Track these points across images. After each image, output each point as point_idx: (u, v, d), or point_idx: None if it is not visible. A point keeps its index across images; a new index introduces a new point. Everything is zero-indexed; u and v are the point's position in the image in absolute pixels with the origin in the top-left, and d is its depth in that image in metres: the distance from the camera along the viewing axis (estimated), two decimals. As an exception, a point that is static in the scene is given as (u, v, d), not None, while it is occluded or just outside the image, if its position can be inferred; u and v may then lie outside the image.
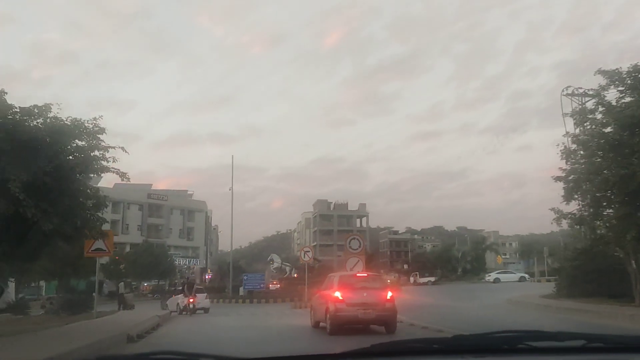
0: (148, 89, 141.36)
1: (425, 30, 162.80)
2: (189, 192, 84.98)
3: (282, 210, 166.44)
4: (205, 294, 27.38)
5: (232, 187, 42.67)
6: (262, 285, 39.47)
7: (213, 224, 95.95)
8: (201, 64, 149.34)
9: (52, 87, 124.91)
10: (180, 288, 27.36)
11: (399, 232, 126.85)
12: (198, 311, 25.27)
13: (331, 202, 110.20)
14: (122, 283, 27.83)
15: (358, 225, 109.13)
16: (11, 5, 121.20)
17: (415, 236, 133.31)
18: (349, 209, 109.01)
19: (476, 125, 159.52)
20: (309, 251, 32.84)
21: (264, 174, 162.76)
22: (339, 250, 77.28)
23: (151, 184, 79.58)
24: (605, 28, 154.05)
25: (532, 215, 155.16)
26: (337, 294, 12.51)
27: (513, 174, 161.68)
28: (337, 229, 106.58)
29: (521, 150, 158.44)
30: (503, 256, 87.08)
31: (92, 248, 16.68)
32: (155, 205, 75.64)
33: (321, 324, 13.62)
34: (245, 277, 39.93)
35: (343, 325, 12.20)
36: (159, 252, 58.69)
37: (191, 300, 24.70)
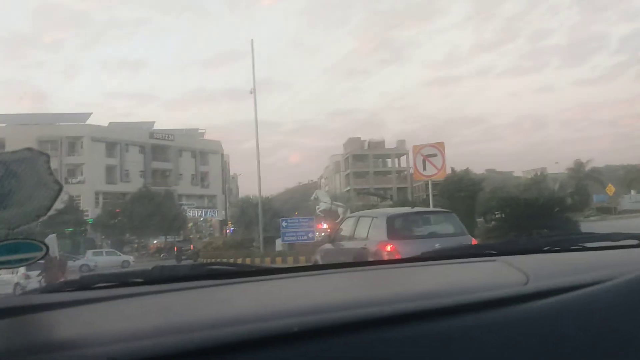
0: (160, 48, 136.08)
1: None
2: (199, 131, 71.12)
3: (299, 165, 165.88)
4: None
5: (254, 88, 28.49)
6: (310, 235, 25.82)
7: (231, 173, 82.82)
8: (212, 19, 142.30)
9: (63, 50, 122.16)
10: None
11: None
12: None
13: (365, 141, 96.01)
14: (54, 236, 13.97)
15: (396, 165, 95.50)
16: None
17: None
18: (386, 147, 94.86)
19: (494, 69, 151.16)
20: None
21: (280, 129, 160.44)
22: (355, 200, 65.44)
23: (154, 122, 65.90)
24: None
25: (553, 157, 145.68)
26: (389, 248, 7.55)
27: (533, 116, 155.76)
28: (372, 170, 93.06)
29: (541, 91, 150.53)
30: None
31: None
32: (159, 146, 62.09)
33: None
34: (283, 223, 26.27)
35: None
36: (164, 200, 45.35)
37: None
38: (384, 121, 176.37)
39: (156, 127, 65.45)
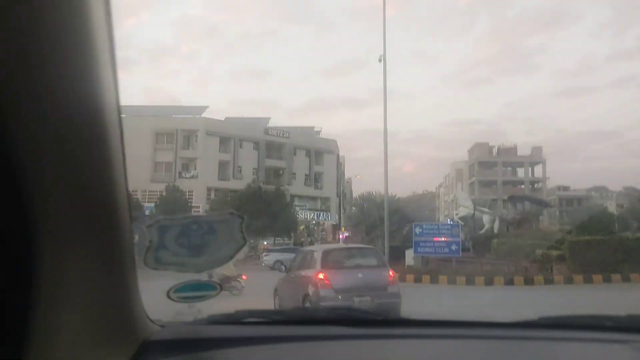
0: (284, 58, 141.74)
1: None
2: (315, 129, 67.08)
3: (413, 174, 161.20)
4: None
5: (384, 55, 22.90)
6: (454, 248, 19.56)
7: (345, 177, 78.22)
8: (333, 29, 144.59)
9: (199, 60, 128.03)
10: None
11: (570, 188, 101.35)
12: None
13: (493, 146, 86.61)
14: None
15: (529, 175, 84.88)
16: None
17: (593, 193, 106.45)
18: (518, 154, 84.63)
19: (635, 78, 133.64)
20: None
21: (395, 138, 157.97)
22: (503, 207, 56.83)
23: (269, 118, 62.95)
24: None
25: None
26: (321, 276, 9.31)
27: None
28: (501, 179, 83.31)
29: None
30: None
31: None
32: (274, 143, 58.85)
33: None
34: (417, 229, 20.25)
35: None
36: (275, 199, 41.29)
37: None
38: (506, 133, 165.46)
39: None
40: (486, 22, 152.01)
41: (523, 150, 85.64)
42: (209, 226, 1.87)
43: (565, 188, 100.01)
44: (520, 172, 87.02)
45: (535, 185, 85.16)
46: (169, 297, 1.96)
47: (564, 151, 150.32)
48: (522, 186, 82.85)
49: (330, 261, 9.86)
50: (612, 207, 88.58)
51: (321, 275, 9.37)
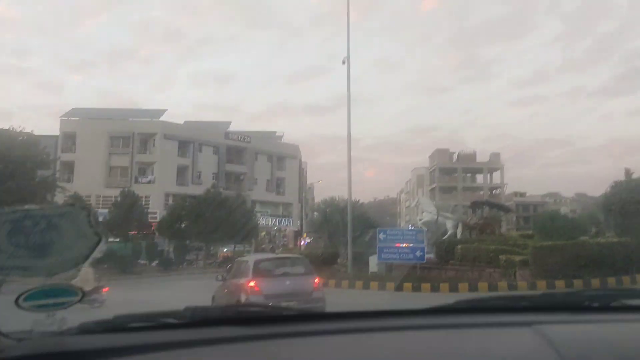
0: (246, 62, 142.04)
1: None
2: (277, 134, 66.26)
3: (375, 180, 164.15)
4: None
5: (347, 57, 22.51)
6: (419, 254, 19.17)
7: (308, 183, 77.52)
8: (297, 35, 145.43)
9: (158, 64, 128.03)
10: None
11: (526, 194, 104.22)
12: None
13: (454, 153, 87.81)
14: None
15: (488, 181, 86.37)
16: None
17: (548, 199, 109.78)
18: (477, 160, 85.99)
19: (585, 88, 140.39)
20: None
21: (357, 144, 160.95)
22: (463, 213, 57.24)
23: (229, 122, 61.64)
24: None
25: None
26: (252, 283, 10.21)
27: (626, 140, 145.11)
28: (462, 185, 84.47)
29: (636, 114, 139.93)
30: None
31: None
32: (235, 148, 57.72)
33: None
34: (381, 235, 19.77)
35: None
36: (235, 205, 40.27)
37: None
38: (466, 140, 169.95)
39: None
40: (446, 31, 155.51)
41: (482, 157, 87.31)
42: (46, 221, 1.64)
43: (522, 194, 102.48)
44: (480, 178, 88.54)
45: (494, 191, 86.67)
46: (18, 305, 1.62)
47: (520, 158, 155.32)
48: (482, 192, 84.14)
49: (261, 270, 10.75)
50: (565, 213, 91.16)
51: (252, 283, 10.29)
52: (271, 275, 10.77)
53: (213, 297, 12.13)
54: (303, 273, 11.08)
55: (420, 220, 25.93)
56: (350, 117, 23.09)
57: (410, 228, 26.82)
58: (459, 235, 25.12)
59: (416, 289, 18.24)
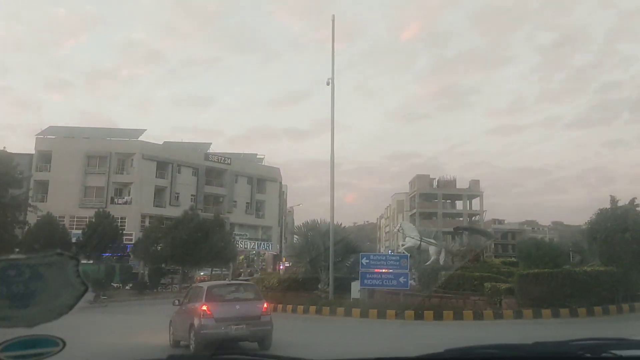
0: (228, 85, 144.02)
1: (507, 20, 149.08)
2: (258, 157, 65.72)
3: (354, 205, 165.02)
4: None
5: (332, 79, 22.27)
6: (403, 280, 18.68)
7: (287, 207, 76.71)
8: (278, 60, 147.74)
9: (139, 85, 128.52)
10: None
11: (504, 221, 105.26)
12: None
13: (434, 179, 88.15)
14: None
15: (468, 208, 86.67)
16: (103, 7, 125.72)
17: (526, 226, 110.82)
18: (457, 186, 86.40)
19: (561, 119, 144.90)
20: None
21: (338, 169, 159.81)
22: (443, 239, 57.10)
23: (210, 143, 61.13)
24: None
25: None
26: (204, 308, 10.87)
27: (601, 170, 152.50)
28: (442, 211, 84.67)
29: (610, 145, 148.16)
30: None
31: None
32: (214, 169, 56.96)
33: (182, 342, 11.78)
34: (364, 260, 19.22)
35: (211, 344, 10.42)
36: (213, 228, 39.38)
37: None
38: (444, 167, 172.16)
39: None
40: (426, 60, 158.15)
41: (461, 184, 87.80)
42: (32, 271, 1.55)
43: (500, 221, 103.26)
44: (459, 205, 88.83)
45: (473, 218, 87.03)
46: None
47: (497, 186, 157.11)
48: (461, 218, 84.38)
49: (213, 295, 11.39)
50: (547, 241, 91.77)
51: (204, 307, 10.92)
52: (222, 300, 11.40)
53: (170, 322, 12.77)
54: (252, 298, 11.73)
55: (402, 245, 25.46)
56: (334, 138, 22.75)
57: (390, 253, 26.32)
58: (441, 262, 24.69)
59: (400, 316, 17.67)
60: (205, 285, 12.46)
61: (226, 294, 11.70)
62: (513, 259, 28.34)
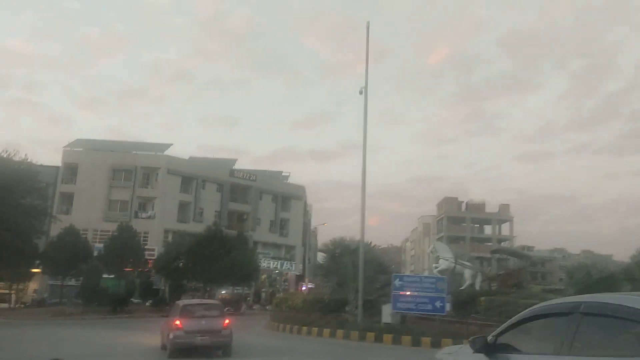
0: (254, 106, 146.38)
1: (537, 45, 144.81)
2: (284, 174, 64.77)
3: (378, 229, 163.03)
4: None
5: (365, 87, 21.17)
6: (439, 305, 17.13)
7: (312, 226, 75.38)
8: (305, 82, 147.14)
9: (168, 103, 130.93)
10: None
11: (534, 248, 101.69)
12: None
13: (462, 202, 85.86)
14: None
15: (497, 233, 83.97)
16: (135, 27, 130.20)
17: (556, 254, 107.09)
18: (486, 210, 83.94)
19: (590, 146, 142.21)
20: None
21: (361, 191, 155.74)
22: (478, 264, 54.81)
23: (236, 159, 60.50)
24: None
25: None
26: (177, 322, 13.56)
27: (631, 199, 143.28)
28: (470, 235, 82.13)
29: None
30: None
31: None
32: (239, 186, 56.16)
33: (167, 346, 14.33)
34: (397, 282, 17.75)
35: (181, 350, 13.41)
36: (236, 245, 38.28)
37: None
38: (470, 191, 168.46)
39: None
40: (453, 84, 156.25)
41: (489, 208, 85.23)
42: None
43: (530, 248, 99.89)
44: (488, 229, 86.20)
45: (502, 244, 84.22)
46: None
47: (524, 212, 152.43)
48: (490, 243, 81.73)
49: (185, 311, 14.10)
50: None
51: (177, 322, 13.59)
52: (192, 316, 13.91)
53: (161, 330, 15.56)
54: (217, 315, 14.26)
55: (435, 267, 23.83)
56: (364, 159, 21.58)
57: (426, 275, 24.72)
58: (477, 286, 23.01)
59: (435, 344, 16.10)
60: (182, 303, 15.47)
61: (196, 311, 14.28)
62: (553, 287, 26.39)
